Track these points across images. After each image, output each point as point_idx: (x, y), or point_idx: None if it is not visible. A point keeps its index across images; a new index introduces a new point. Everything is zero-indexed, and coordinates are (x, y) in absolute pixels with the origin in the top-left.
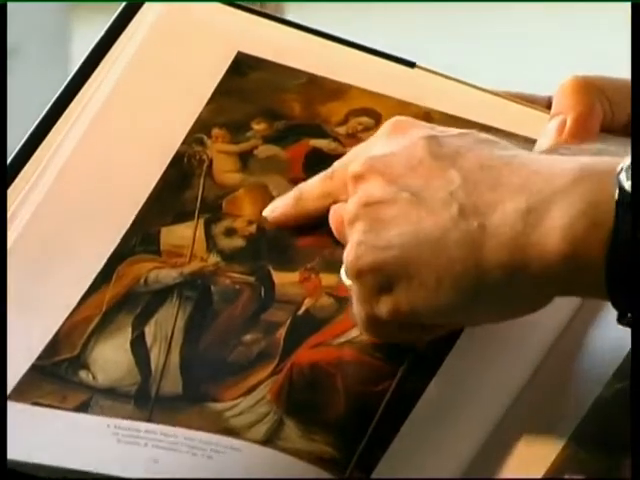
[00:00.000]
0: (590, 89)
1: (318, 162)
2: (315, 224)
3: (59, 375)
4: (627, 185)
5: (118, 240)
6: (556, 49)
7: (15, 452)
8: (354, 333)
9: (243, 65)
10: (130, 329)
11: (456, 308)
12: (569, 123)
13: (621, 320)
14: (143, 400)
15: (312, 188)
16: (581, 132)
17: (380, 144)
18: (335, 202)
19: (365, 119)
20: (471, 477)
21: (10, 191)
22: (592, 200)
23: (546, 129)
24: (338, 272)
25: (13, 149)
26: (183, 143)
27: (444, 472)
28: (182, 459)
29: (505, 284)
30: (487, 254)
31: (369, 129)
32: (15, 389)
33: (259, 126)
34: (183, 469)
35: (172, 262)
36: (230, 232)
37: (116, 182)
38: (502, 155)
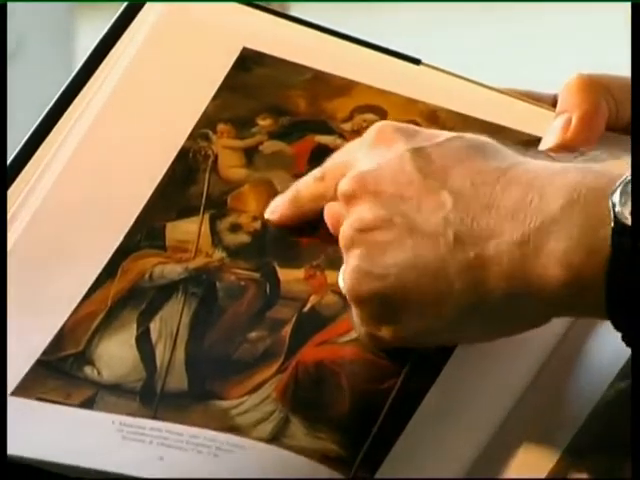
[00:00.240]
0: (595, 87)
1: (323, 158)
2: (318, 222)
3: (64, 371)
4: (621, 210)
5: (123, 235)
6: (559, 49)
7: (19, 448)
8: None
9: (248, 61)
10: (135, 325)
11: (456, 331)
12: (574, 121)
13: (623, 338)
14: (148, 397)
15: (306, 188)
16: (586, 130)
17: (366, 157)
18: (331, 198)
19: (370, 116)
20: (474, 477)
21: (14, 187)
22: (587, 227)
23: (551, 127)
24: None
25: (16, 147)
26: (188, 138)
27: (448, 471)
28: (187, 457)
29: (505, 307)
30: (486, 281)
31: None
32: (19, 385)
33: (264, 122)
34: (188, 467)
35: (177, 257)
36: (235, 228)
37: (121, 178)
38: (493, 168)
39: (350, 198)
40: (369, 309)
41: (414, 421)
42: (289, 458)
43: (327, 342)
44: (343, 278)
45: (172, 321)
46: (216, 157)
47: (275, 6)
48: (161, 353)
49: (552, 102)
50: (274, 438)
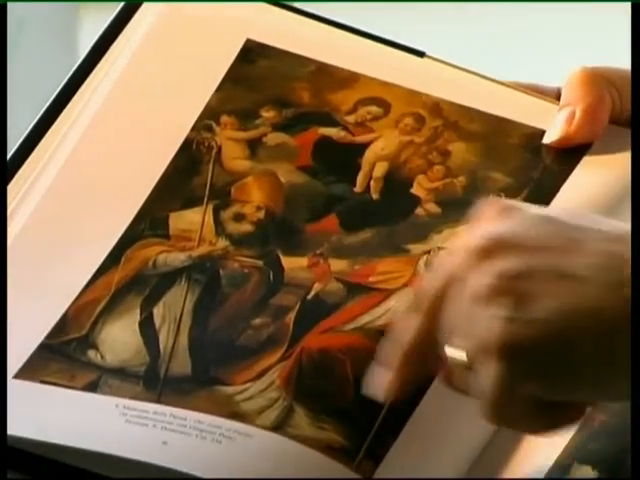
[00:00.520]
0: (599, 80)
1: (327, 150)
2: (323, 210)
3: (67, 354)
4: None
5: (127, 224)
6: (561, 45)
7: (22, 429)
8: (364, 320)
9: (252, 53)
10: (138, 310)
11: (615, 382)
12: (578, 114)
13: None
14: (152, 381)
15: (414, 335)
16: (590, 123)
17: (495, 224)
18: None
19: (374, 108)
20: (474, 477)
21: (18, 177)
22: None
23: (555, 120)
24: (347, 258)
25: (20, 138)
26: (192, 130)
27: (452, 463)
28: (191, 442)
29: None
30: None
31: (378, 118)
32: (23, 367)
33: (268, 114)
34: (192, 452)
35: (181, 246)
36: (239, 217)
37: (125, 168)
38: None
39: (486, 252)
40: (520, 362)
41: (418, 412)
42: (292, 447)
43: (331, 330)
44: (486, 332)
45: (175, 307)
46: (219, 148)
47: None
48: (164, 338)
49: (556, 95)
50: (278, 427)
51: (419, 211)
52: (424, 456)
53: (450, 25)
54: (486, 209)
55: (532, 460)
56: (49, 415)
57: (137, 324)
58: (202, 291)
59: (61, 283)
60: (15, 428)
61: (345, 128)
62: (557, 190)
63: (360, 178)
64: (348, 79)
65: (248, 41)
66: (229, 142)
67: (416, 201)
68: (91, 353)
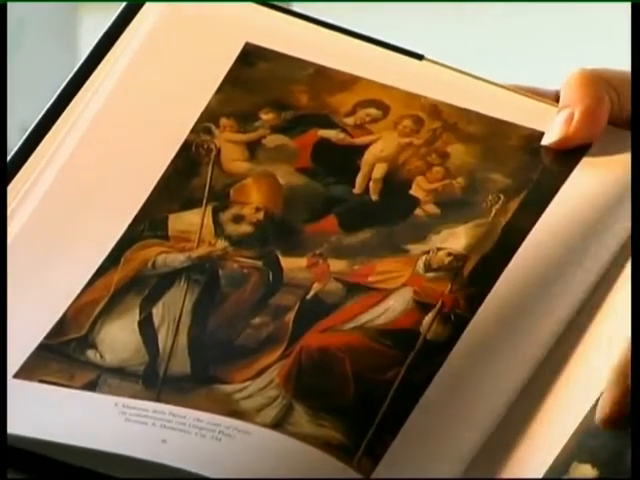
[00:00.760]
0: (597, 81)
1: (326, 152)
2: (322, 211)
3: (67, 354)
4: None
5: (126, 225)
6: (560, 47)
7: (21, 429)
8: (364, 319)
9: (251, 56)
10: (138, 310)
11: None
12: (577, 116)
13: None
14: (151, 380)
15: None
16: (589, 125)
17: None
18: None
19: (373, 110)
20: (473, 477)
21: (18, 178)
22: None
23: (554, 122)
24: (346, 258)
25: (22, 138)
26: (191, 132)
27: (450, 462)
28: (190, 440)
29: None
30: None
31: (377, 120)
32: (22, 367)
33: (267, 116)
34: (191, 451)
35: (180, 247)
36: (238, 219)
37: (125, 169)
38: None
39: None
40: None
41: (417, 411)
42: (292, 445)
43: (331, 329)
44: None
45: (175, 307)
46: (219, 151)
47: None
48: (164, 338)
49: (555, 98)
50: (277, 424)
51: (418, 212)
52: (423, 454)
53: (448, 26)
54: None
55: (532, 458)
56: (48, 414)
57: (136, 324)
58: (201, 291)
59: (60, 284)
60: (14, 427)
61: (344, 130)
62: (556, 191)
63: (359, 179)
64: (347, 82)
65: (247, 44)
66: (228, 144)
67: (415, 202)
68: (90, 353)
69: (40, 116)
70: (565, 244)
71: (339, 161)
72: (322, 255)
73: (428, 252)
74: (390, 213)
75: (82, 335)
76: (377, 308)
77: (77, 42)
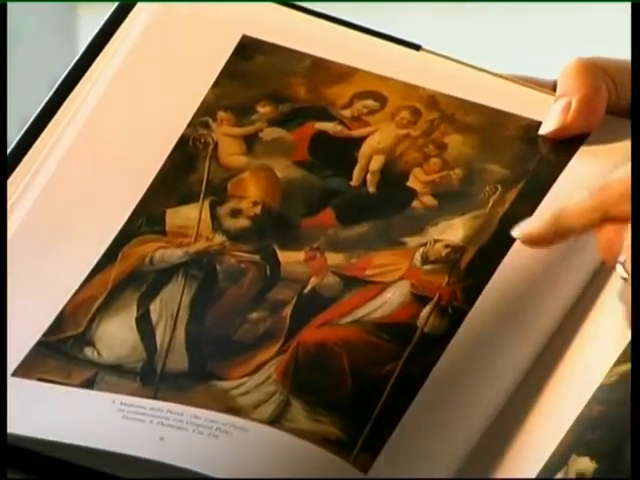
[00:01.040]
0: (594, 70)
1: (323, 145)
2: (320, 205)
3: (64, 352)
4: None
5: (123, 221)
6: (558, 43)
7: (19, 427)
8: (361, 313)
9: (248, 48)
10: (135, 307)
11: None
12: (574, 105)
13: None
14: (149, 377)
15: (576, 204)
16: (586, 114)
17: None
18: (603, 217)
19: (370, 102)
20: (469, 477)
21: (16, 174)
22: None
23: (551, 111)
24: (343, 252)
25: (20, 133)
26: (188, 126)
27: (449, 455)
28: (188, 437)
29: None
30: None
31: (374, 112)
32: (20, 365)
33: (264, 109)
34: (189, 448)
35: (177, 242)
36: (235, 213)
37: (122, 165)
38: None
39: None
40: None
41: (414, 405)
42: (289, 441)
43: (328, 323)
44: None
45: (172, 303)
46: (216, 145)
47: None
48: (161, 334)
49: (552, 87)
50: (275, 420)
51: (415, 204)
52: (421, 449)
53: (447, 18)
54: None
55: (530, 450)
56: (46, 412)
57: (134, 320)
58: (199, 286)
59: (58, 280)
60: (12, 426)
61: (341, 122)
62: (554, 181)
63: (356, 172)
64: (344, 73)
65: (244, 37)
66: (225, 138)
67: (412, 194)
68: (88, 350)
69: (38, 112)
70: None
71: (336, 154)
72: (319, 249)
73: (425, 244)
74: (387, 205)
75: (80, 332)
76: (374, 302)
77: (76, 39)
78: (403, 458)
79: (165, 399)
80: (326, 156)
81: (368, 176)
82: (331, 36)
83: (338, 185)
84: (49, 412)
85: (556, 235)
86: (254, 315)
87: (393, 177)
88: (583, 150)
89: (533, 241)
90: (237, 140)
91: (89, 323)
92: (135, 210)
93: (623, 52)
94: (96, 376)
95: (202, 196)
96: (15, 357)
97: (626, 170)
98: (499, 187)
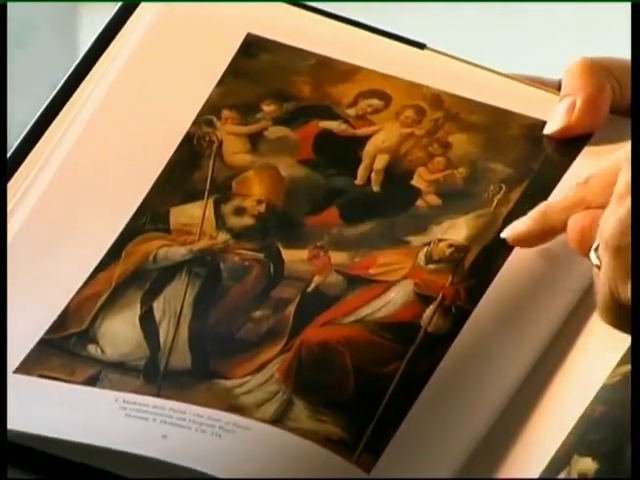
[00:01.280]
0: (599, 70)
1: (328, 143)
2: (324, 203)
3: (67, 349)
4: None
5: (127, 219)
6: (561, 43)
7: (22, 424)
8: (364, 312)
9: (253, 47)
10: (139, 304)
11: None
12: (579, 104)
13: None
14: (152, 375)
15: (560, 200)
16: (591, 113)
17: None
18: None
19: (375, 101)
20: (469, 477)
21: (20, 172)
22: None
23: (556, 111)
24: (347, 250)
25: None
26: (193, 124)
27: (452, 455)
28: (190, 436)
29: None
30: None
31: (378, 111)
32: (23, 362)
33: (269, 108)
34: (191, 446)
35: (181, 240)
36: (239, 211)
37: (126, 163)
38: None
39: None
40: (626, 259)
41: (418, 405)
42: (292, 440)
43: (331, 322)
44: (606, 230)
45: (176, 300)
46: (220, 143)
47: None
48: (165, 332)
49: (557, 87)
50: (277, 420)
51: (419, 203)
52: (424, 449)
53: (449, 18)
54: None
55: (533, 450)
56: (49, 410)
57: (137, 318)
58: (202, 285)
59: (61, 278)
60: (14, 423)
61: (346, 121)
62: (558, 180)
63: (361, 171)
64: (349, 72)
65: (249, 35)
66: (230, 136)
67: (416, 193)
68: (91, 348)
69: (40, 112)
70: None
71: (341, 152)
72: (323, 247)
73: (429, 244)
74: (391, 204)
75: (83, 330)
76: (378, 301)
77: (77, 40)
78: (406, 458)
79: (168, 397)
80: (330, 155)
81: (372, 175)
82: (336, 35)
83: (342, 184)
84: (52, 409)
85: (543, 232)
86: (257, 313)
87: (397, 176)
88: (587, 150)
89: (521, 240)
90: (241, 138)
91: (93, 320)
92: (139, 208)
93: (623, 52)
94: (99, 374)
95: (206, 194)
96: (18, 354)
97: (607, 163)
98: (503, 186)
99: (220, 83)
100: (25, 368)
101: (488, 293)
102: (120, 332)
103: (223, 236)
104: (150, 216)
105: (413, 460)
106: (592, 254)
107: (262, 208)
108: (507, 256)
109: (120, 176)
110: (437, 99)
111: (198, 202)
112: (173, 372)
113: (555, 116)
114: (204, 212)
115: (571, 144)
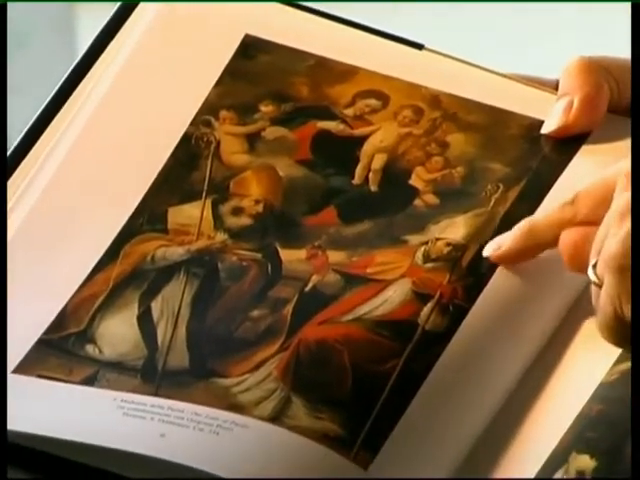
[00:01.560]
0: (596, 69)
1: (325, 143)
2: (322, 203)
3: (65, 349)
4: None
5: (125, 220)
6: (559, 44)
7: (20, 424)
8: (362, 310)
9: (251, 48)
10: (137, 304)
11: None
12: (576, 103)
13: None
14: (150, 374)
15: (546, 217)
16: (588, 112)
17: None
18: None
19: (373, 101)
20: (468, 477)
21: (18, 173)
22: None
23: (553, 110)
24: (345, 250)
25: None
26: (191, 125)
27: (450, 453)
28: (188, 434)
29: None
30: None
31: (376, 111)
32: (21, 363)
33: (267, 108)
34: (189, 445)
35: (179, 240)
36: (237, 211)
37: (124, 163)
38: None
39: None
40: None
41: (415, 402)
42: (290, 438)
43: (329, 321)
44: (608, 248)
45: (174, 300)
46: (218, 143)
47: None
48: (162, 332)
49: (555, 87)
50: (275, 417)
51: (417, 202)
52: (421, 446)
53: (448, 17)
54: None
55: (531, 447)
56: (47, 409)
57: (135, 318)
58: (200, 284)
59: (60, 278)
60: (13, 423)
61: (344, 121)
62: (556, 179)
63: (359, 170)
64: (347, 72)
65: (247, 36)
66: (228, 137)
67: (414, 192)
68: (89, 347)
69: (39, 111)
70: None
71: (339, 152)
72: (321, 247)
73: (427, 242)
74: (389, 204)
75: (81, 330)
76: (376, 299)
77: (76, 40)
78: (403, 455)
79: (166, 396)
80: (328, 155)
81: (370, 175)
82: (333, 35)
83: (340, 184)
84: (50, 409)
85: (528, 249)
86: (255, 313)
87: (395, 175)
88: (585, 149)
89: (505, 257)
90: (239, 139)
91: (91, 321)
92: (137, 208)
93: (623, 52)
94: (97, 373)
95: (204, 194)
96: (16, 354)
97: (595, 179)
98: (501, 185)
99: (218, 84)
100: (23, 368)
101: (485, 291)
102: (118, 332)
103: (221, 236)
104: (148, 216)
105: (410, 457)
106: (590, 271)
107: (260, 208)
108: None
109: (118, 176)
110: (435, 99)
111: (196, 202)
112: (171, 371)
113: (552, 115)
114: (202, 212)
115: (569, 143)
